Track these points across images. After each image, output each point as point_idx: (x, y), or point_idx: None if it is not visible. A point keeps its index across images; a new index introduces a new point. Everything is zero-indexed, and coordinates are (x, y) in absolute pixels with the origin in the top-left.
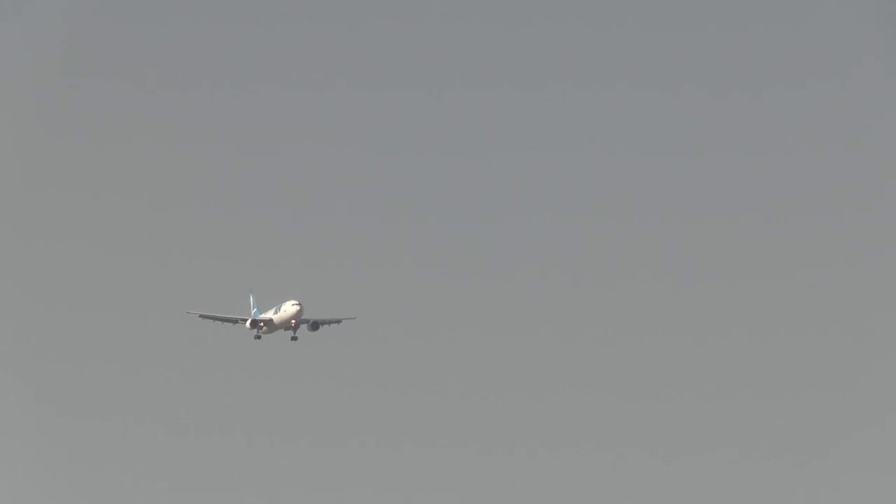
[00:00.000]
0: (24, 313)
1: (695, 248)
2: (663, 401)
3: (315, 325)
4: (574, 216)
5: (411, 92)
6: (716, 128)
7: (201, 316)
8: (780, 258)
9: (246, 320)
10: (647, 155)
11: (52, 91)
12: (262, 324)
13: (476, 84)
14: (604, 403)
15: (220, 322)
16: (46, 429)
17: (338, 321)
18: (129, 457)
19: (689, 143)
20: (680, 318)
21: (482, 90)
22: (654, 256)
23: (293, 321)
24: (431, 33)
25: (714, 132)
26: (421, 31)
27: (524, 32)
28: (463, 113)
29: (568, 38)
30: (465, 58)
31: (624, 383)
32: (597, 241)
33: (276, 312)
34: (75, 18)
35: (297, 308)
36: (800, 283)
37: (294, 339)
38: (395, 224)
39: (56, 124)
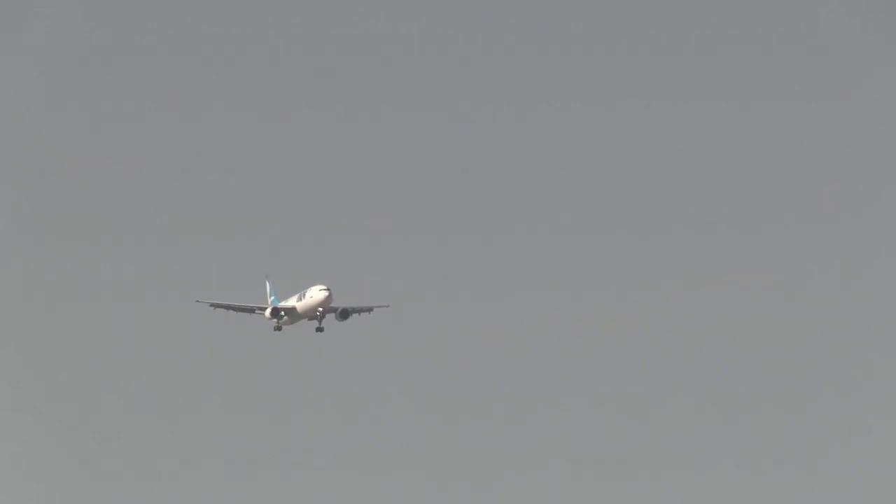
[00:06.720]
0: (21, 306)
1: (694, 253)
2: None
3: (344, 314)
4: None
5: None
6: (714, 133)
7: (212, 305)
8: (780, 260)
9: (265, 309)
10: (646, 162)
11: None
12: (283, 312)
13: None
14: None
15: (235, 312)
16: (47, 428)
17: (369, 309)
18: (138, 462)
19: (688, 148)
20: (681, 321)
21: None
22: (662, 263)
23: (320, 309)
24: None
25: (713, 138)
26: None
27: (519, 41)
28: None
29: (562, 46)
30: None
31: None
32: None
33: (299, 299)
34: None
35: (326, 294)
36: (799, 286)
37: (320, 329)
38: (433, 204)
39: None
